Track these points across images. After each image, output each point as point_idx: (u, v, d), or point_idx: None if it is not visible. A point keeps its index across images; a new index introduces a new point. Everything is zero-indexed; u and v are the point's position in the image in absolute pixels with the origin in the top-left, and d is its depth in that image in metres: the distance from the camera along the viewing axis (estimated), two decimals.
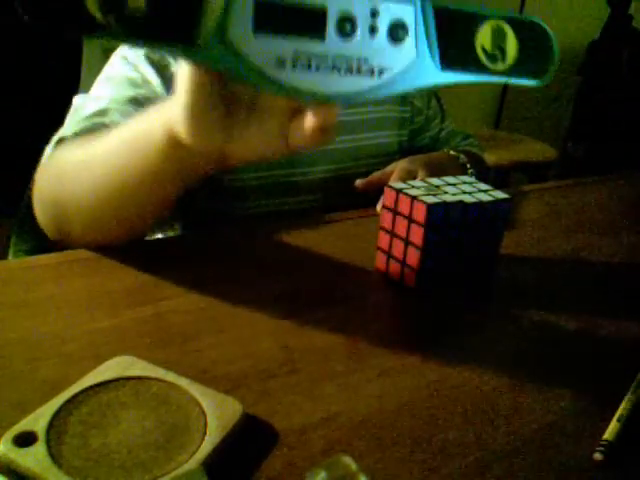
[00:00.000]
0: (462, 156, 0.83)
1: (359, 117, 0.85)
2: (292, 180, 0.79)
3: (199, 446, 0.35)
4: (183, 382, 0.40)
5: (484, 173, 0.86)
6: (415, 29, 0.36)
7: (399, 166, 0.75)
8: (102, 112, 0.63)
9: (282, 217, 0.77)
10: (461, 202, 0.55)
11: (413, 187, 0.58)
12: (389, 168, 0.76)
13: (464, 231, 0.56)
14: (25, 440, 0.34)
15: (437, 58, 0.37)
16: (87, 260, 0.57)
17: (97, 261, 0.57)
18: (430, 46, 0.37)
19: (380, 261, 0.61)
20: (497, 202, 0.57)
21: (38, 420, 0.35)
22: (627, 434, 0.41)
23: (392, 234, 0.58)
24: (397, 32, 0.36)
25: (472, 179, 0.62)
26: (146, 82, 0.68)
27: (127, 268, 0.56)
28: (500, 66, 0.39)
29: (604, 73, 2.49)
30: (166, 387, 0.39)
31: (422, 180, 0.60)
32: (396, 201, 0.57)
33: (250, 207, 0.76)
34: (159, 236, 0.77)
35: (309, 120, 0.37)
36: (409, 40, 0.36)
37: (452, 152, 0.84)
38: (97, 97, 0.65)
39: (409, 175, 0.73)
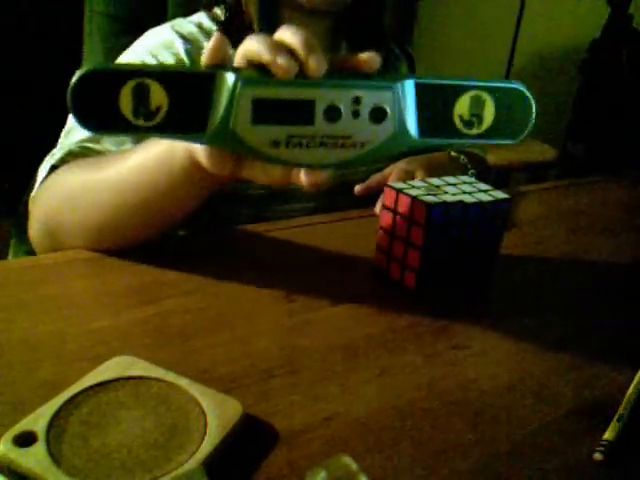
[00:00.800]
0: (463, 157, 0.83)
1: None
2: (297, 187, 0.79)
3: (199, 446, 0.35)
4: (183, 382, 0.40)
5: (485, 174, 0.85)
6: (394, 110, 0.41)
7: (397, 167, 0.75)
8: (94, 139, 0.64)
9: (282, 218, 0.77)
10: (461, 202, 0.55)
11: (413, 187, 0.58)
12: (387, 170, 0.76)
13: (464, 231, 0.56)
14: (25, 440, 0.34)
15: (415, 129, 0.42)
16: (87, 260, 0.57)
17: (97, 261, 0.57)
18: (408, 120, 0.41)
19: (380, 261, 0.61)
20: (497, 202, 0.57)
21: (38, 420, 0.35)
22: (627, 434, 0.41)
23: (392, 234, 0.58)
24: (377, 115, 0.41)
25: (472, 179, 0.62)
26: None
27: (127, 268, 0.56)
28: (475, 130, 0.42)
29: (604, 73, 2.49)
30: (166, 387, 0.39)
31: (422, 180, 0.60)
32: (396, 201, 0.57)
33: (254, 214, 0.76)
34: None
35: (303, 177, 0.43)
36: (389, 119, 0.41)
37: (453, 153, 0.84)
38: None
39: (407, 176, 0.73)
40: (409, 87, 0.41)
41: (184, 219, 0.58)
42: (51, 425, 0.35)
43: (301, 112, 0.40)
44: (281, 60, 0.38)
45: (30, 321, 0.48)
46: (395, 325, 0.53)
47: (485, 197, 0.57)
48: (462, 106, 0.41)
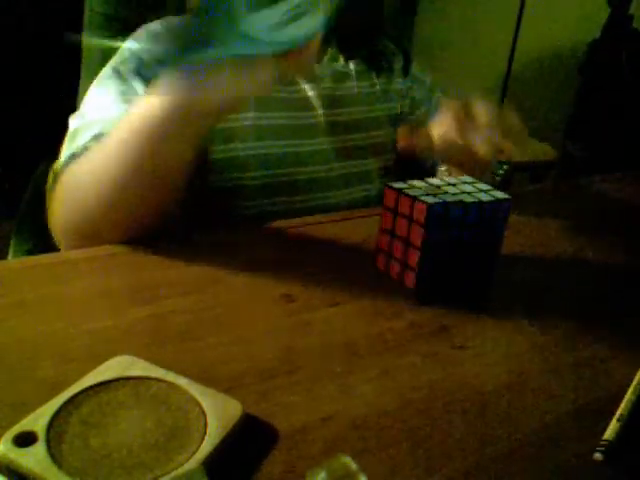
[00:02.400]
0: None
1: (355, 117, 0.85)
2: (293, 179, 0.79)
3: (199, 446, 0.35)
4: (183, 382, 0.40)
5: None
6: None
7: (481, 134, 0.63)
8: (97, 137, 0.64)
9: (282, 217, 0.77)
10: (461, 202, 0.55)
11: (413, 187, 0.58)
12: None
13: (464, 231, 0.56)
14: (25, 440, 0.34)
15: None
16: (87, 260, 0.57)
17: (97, 261, 0.57)
18: None
19: (380, 261, 0.61)
20: (497, 202, 0.57)
21: (38, 420, 0.35)
22: (627, 434, 0.41)
23: (392, 234, 0.58)
24: None
25: (472, 179, 0.62)
26: (137, 97, 0.68)
27: (127, 268, 0.56)
28: None
29: (604, 73, 2.49)
30: (166, 387, 0.39)
31: (422, 180, 0.60)
32: (396, 201, 0.57)
33: (251, 206, 0.77)
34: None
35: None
36: None
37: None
38: (90, 123, 0.65)
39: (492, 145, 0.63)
40: None
41: (187, 174, 0.60)
42: (51, 425, 0.35)
43: None
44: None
45: (30, 321, 0.48)
46: (395, 325, 0.53)
47: (485, 197, 0.57)
48: None
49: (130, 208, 0.59)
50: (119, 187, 0.57)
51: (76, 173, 0.61)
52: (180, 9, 0.89)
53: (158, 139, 0.56)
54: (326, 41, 0.82)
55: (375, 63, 0.89)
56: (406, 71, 0.94)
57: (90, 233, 0.60)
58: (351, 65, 0.86)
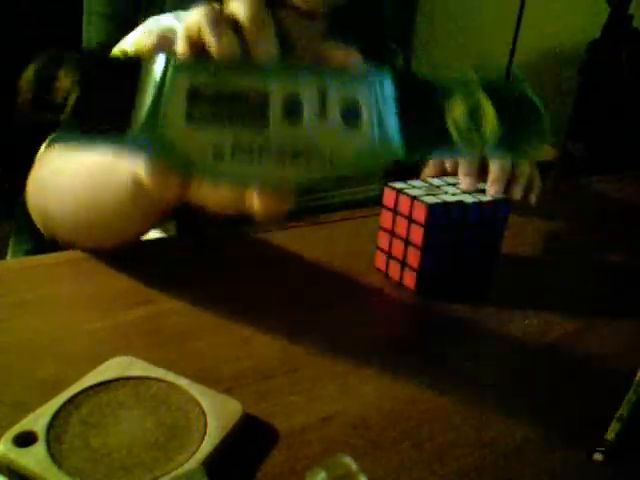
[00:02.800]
0: None
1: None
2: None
3: (199, 446, 0.35)
4: (183, 382, 0.40)
5: None
6: (372, 109, 0.32)
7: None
8: None
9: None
10: (461, 202, 0.55)
11: (413, 187, 0.57)
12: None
13: (464, 231, 0.56)
14: (25, 440, 0.34)
15: (399, 138, 0.33)
16: (87, 260, 0.57)
17: (97, 261, 0.57)
18: (390, 126, 0.32)
19: (380, 261, 0.61)
20: (497, 202, 0.57)
21: (38, 420, 0.35)
22: (627, 434, 0.41)
23: (392, 234, 0.58)
24: (350, 114, 0.32)
25: None
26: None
27: (127, 268, 0.56)
28: (476, 142, 0.33)
29: (604, 73, 2.49)
30: (166, 387, 0.39)
31: (422, 180, 0.60)
32: (396, 201, 0.57)
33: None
34: (156, 234, 0.77)
35: (256, 203, 0.33)
36: (365, 122, 0.32)
37: None
38: None
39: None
40: (387, 83, 0.32)
41: (147, 229, 0.56)
42: (51, 425, 0.35)
43: (251, 109, 0.31)
44: (223, 38, 0.31)
45: (30, 321, 0.48)
46: (395, 325, 0.53)
47: (485, 197, 0.57)
48: (456, 111, 0.33)
49: (91, 231, 0.55)
50: (79, 212, 0.53)
51: (45, 171, 0.58)
52: (178, 6, 0.88)
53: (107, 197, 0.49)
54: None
55: (377, 62, 0.89)
56: None
57: (50, 233, 0.59)
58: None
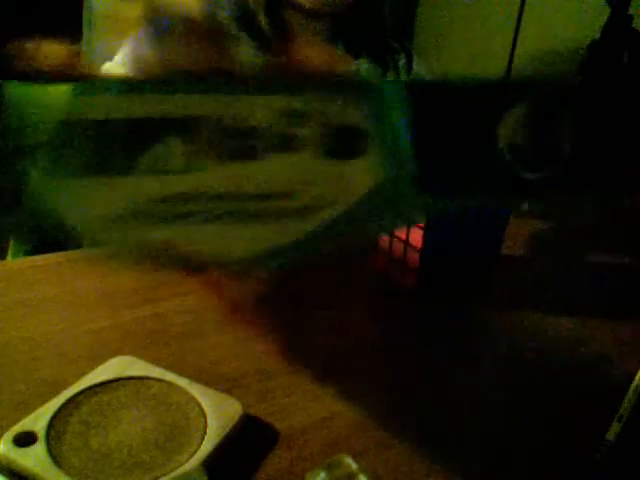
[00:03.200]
0: None
1: None
2: None
3: (199, 446, 0.35)
4: (183, 382, 0.40)
5: None
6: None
7: None
8: None
9: None
10: None
11: None
12: None
13: (464, 231, 0.56)
14: (25, 440, 0.34)
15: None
16: (87, 260, 0.57)
17: (97, 261, 0.57)
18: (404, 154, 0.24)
19: (380, 261, 0.61)
20: None
21: (38, 420, 0.35)
22: (627, 434, 0.41)
23: (392, 234, 0.58)
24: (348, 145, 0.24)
25: None
26: None
27: (127, 268, 0.56)
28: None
29: (604, 73, 2.49)
30: (166, 387, 0.39)
31: None
32: None
33: None
34: None
35: None
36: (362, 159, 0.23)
37: None
38: None
39: None
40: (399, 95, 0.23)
41: None
42: (51, 425, 0.35)
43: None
44: None
45: (30, 321, 0.48)
46: (395, 325, 0.53)
47: None
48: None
49: None
50: None
51: None
52: None
53: None
54: (333, 42, 0.82)
55: (381, 61, 0.89)
56: (409, 68, 0.94)
57: None
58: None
